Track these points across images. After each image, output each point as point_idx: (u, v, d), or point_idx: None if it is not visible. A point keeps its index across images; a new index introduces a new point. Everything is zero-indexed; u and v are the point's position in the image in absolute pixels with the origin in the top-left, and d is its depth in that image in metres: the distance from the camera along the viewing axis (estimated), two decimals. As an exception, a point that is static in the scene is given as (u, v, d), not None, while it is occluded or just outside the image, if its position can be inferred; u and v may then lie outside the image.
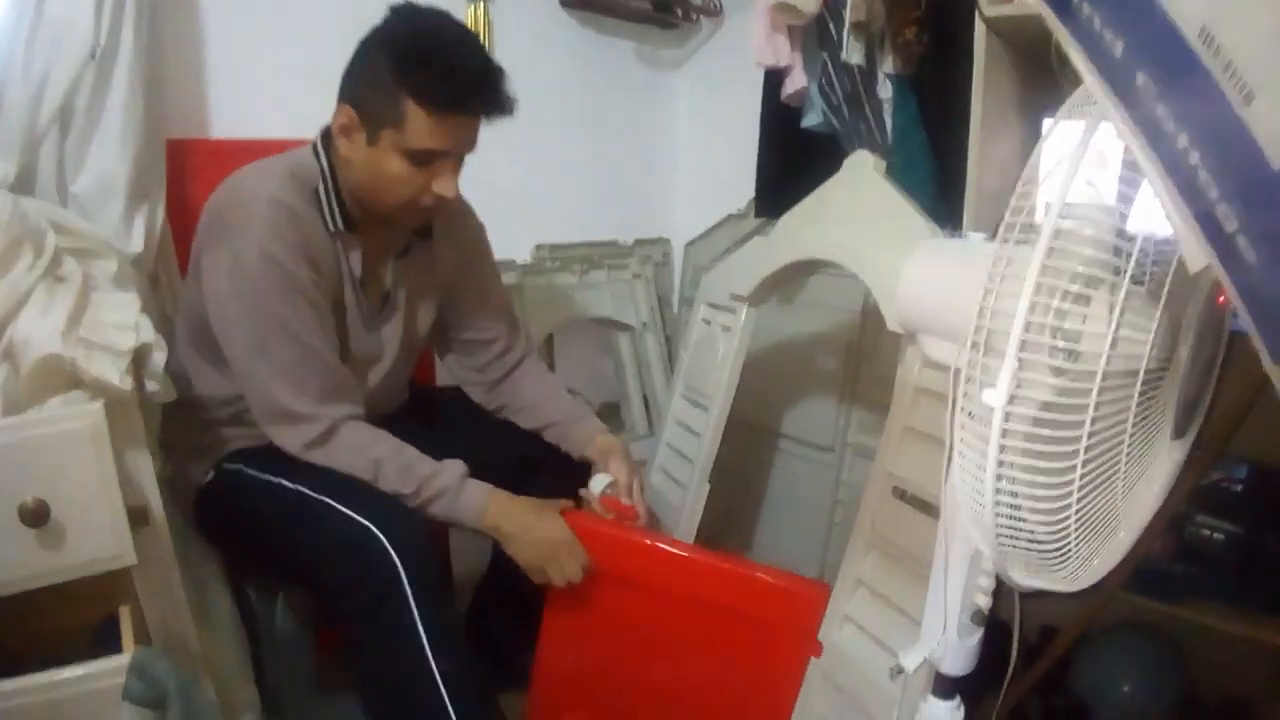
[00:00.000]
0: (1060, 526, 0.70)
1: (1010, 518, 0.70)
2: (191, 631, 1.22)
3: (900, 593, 1.18)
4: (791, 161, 1.95)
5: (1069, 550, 0.72)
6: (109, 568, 1.03)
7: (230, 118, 1.75)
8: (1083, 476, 0.69)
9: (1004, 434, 0.67)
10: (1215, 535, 1.42)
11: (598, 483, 1.45)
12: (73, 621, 1.12)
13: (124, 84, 1.44)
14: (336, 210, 1.28)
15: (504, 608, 1.63)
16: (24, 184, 1.41)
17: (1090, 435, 0.68)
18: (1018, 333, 0.65)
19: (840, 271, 1.92)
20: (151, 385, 1.18)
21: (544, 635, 1.44)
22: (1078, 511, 0.70)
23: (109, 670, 0.94)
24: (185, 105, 1.71)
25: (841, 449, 1.99)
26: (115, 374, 1.10)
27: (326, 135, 1.30)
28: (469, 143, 1.25)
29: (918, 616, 1.06)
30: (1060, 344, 0.65)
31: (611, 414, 2.32)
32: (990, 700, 1.13)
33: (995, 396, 0.64)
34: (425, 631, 1.15)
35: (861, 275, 1.31)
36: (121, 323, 1.17)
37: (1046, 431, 0.67)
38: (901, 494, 1.19)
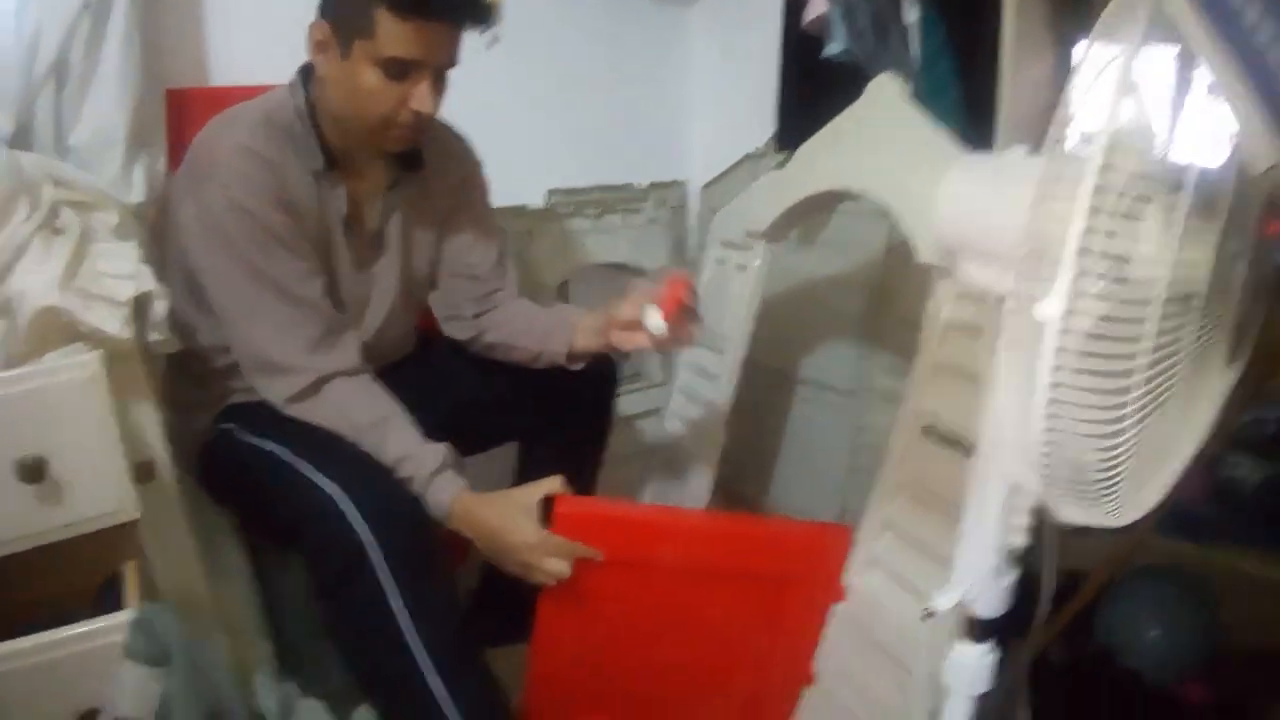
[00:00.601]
0: (1113, 453, 0.65)
1: (1059, 445, 0.65)
2: (203, 587, 1.21)
3: (930, 535, 1.14)
4: (814, 94, 1.87)
5: (1119, 479, 0.67)
6: (112, 523, 1.00)
7: (231, 65, 1.71)
8: (1139, 398, 0.64)
9: (1056, 353, 0.61)
10: (1249, 476, 1.37)
11: (650, 315, 1.26)
12: (80, 583, 1.10)
13: (119, 33, 1.41)
14: (316, 147, 1.25)
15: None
16: (21, 139, 1.38)
17: (1151, 351, 0.64)
18: (1075, 238, 0.59)
19: (862, 209, 1.87)
20: (154, 335, 1.15)
21: (539, 631, 1.30)
22: (1133, 436, 0.65)
23: (111, 628, 0.92)
24: (184, 54, 1.67)
25: (863, 393, 1.93)
26: (114, 324, 1.07)
27: (305, 70, 1.27)
28: (444, 53, 1.19)
29: (949, 557, 1.02)
30: (1112, 251, 0.60)
31: (628, 363, 2.27)
32: (1014, 648, 1.09)
33: (1050, 308, 0.59)
34: (402, 601, 1.11)
35: (888, 204, 1.25)
36: (120, 272, 1.14)
37: (1103, 347, 0.63)
38: (931, 433, 1.14)
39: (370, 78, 1.17)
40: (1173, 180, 0.61)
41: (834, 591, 1.25)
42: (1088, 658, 1.50)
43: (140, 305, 1.14)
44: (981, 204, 0.84)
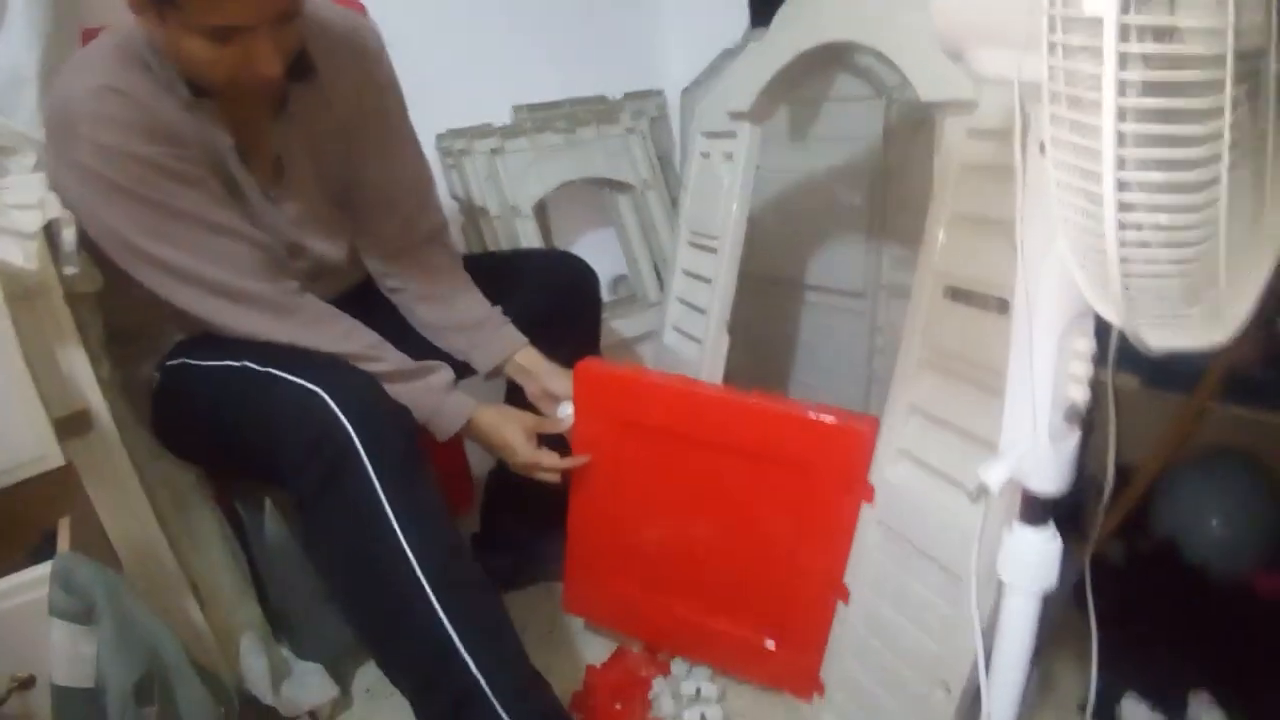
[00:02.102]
0: (1205, 214, 0.51)
1: (1135, 233, 0.52)
2: (164, 546, 1.09)
3: (965, 412, 1.00)
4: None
5: (1214, 264, 0.54)
6: (31, 473, 0.87)
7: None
8: (1224, 166, 0.51)
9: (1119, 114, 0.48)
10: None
11: (565, 408, 1.33)
12: (18, 545, 0.98)
13: (20, -29, 1.28)
14: (176, 78, 1.05)
15: (512, 498, 1.50)
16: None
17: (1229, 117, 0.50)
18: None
19: (853, 94, 1.72)
20: (69, 268, 1.02)
21: (573, 499, 1.37)
22: (1220, 217, 0.52)
23: (33, 582, 0.79)
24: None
25: (875, 292, 1.80)
26: (19, 255, 0.94)
27: None
28: (269, 6, 0.97)
29: (990, 438, 0.89)
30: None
31: (622, 285, 2.14)
32: (1071, 546, 0.96)
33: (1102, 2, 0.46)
34: (390, 504, 1.00)
35: (878, 45, 1.11)
36: (24, 202, 1.01)
37: (1169, 124, 0.49)
38: (956, 294, 1.01)
39: (196, 46, 0.97)
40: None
41: (862, 490, 1.12)
42: (1148, 554, 1.39)
43: (49, 237, 1.01)
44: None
